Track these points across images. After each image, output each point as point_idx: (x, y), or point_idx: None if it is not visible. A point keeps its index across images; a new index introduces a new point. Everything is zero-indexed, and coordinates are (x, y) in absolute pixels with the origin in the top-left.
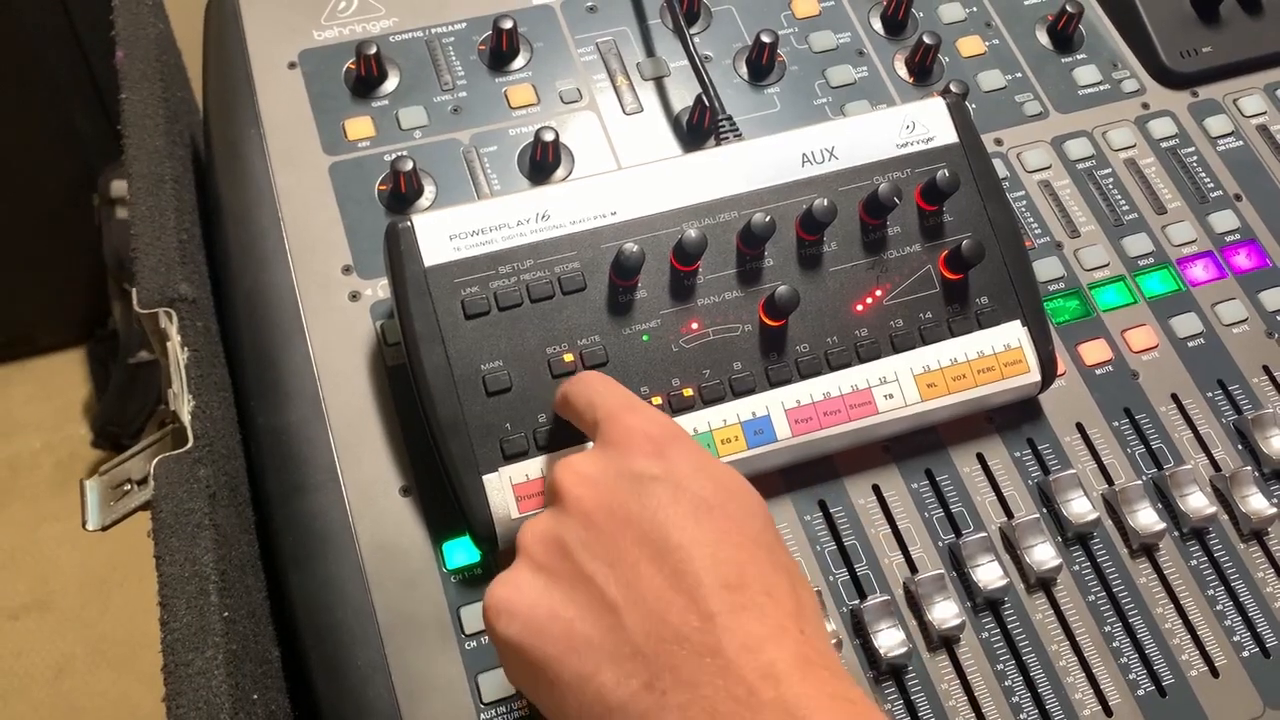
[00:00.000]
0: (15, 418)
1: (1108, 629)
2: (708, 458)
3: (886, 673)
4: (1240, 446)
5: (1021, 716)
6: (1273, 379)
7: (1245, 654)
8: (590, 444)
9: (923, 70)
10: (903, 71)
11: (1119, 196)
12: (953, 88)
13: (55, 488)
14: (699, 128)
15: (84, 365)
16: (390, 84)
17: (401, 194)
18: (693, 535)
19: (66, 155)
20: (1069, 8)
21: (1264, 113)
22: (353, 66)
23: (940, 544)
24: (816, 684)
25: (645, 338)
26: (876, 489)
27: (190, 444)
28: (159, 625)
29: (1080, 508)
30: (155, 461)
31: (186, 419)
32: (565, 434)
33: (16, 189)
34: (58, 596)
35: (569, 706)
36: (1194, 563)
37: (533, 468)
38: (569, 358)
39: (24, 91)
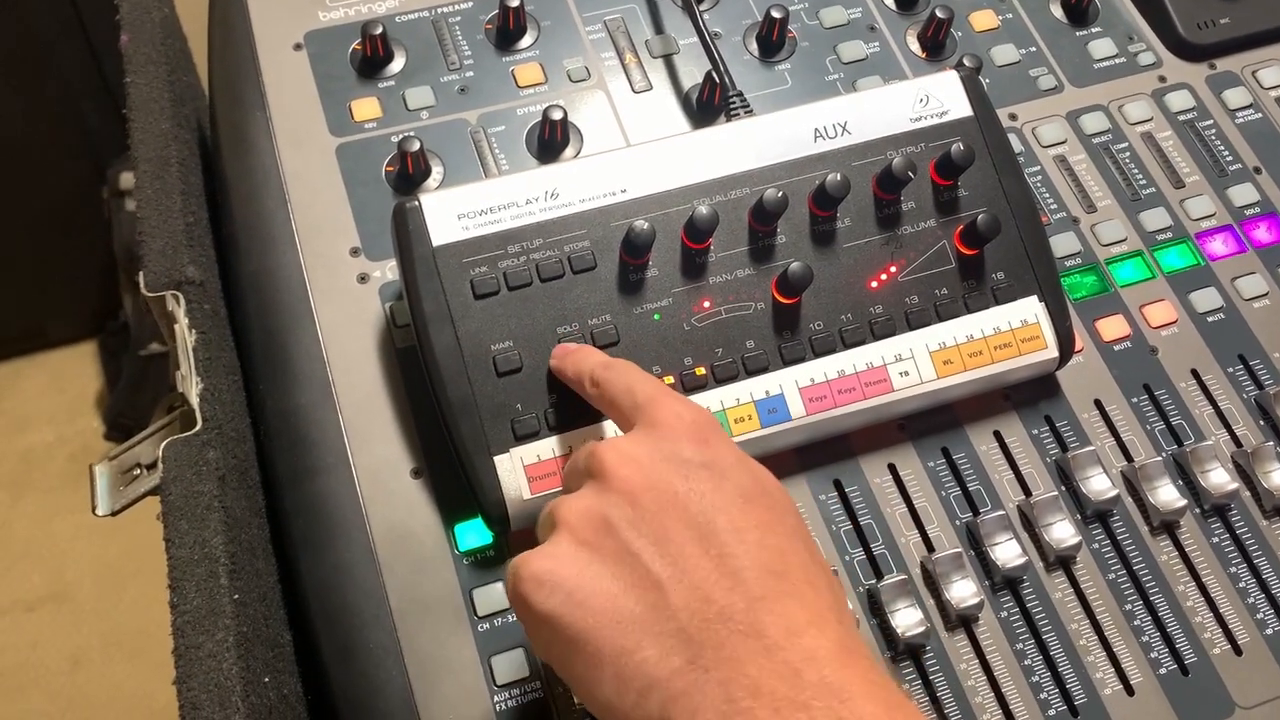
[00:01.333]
0: (28, 411)
1: (1128, 607)
2: (744, 453)
3: (904, 652)
4: (1262, 422)
5: (1041, 696)
6: None
7: (1269, 631)
8: (606, 424)
9: (935, 45)
10: (915, 47)
11: (1136, 171)
12: (966, 62)
13: (69, 480)
14: (709, 105)
15: (96, 358)
16: (396, 64)
17: (409, 175)
18: (738, 521)
19: (76, 149)
20: None
21: None
22: (358, 47)
23: (957, 522)
24: (858, 671)
25: (656, 316)
26: (892, 468)
27: (199, 427)
28: (169, 608)
29: (1099, 485)
30: (164, 444)
31: (195, 402)
32: (577, 414)
33: (27, 183)
34: (73, 588)
35: (605, 680)
36: (1215, 540)
37: (544, 448)
38: (579, 337)
39: (34, 87)
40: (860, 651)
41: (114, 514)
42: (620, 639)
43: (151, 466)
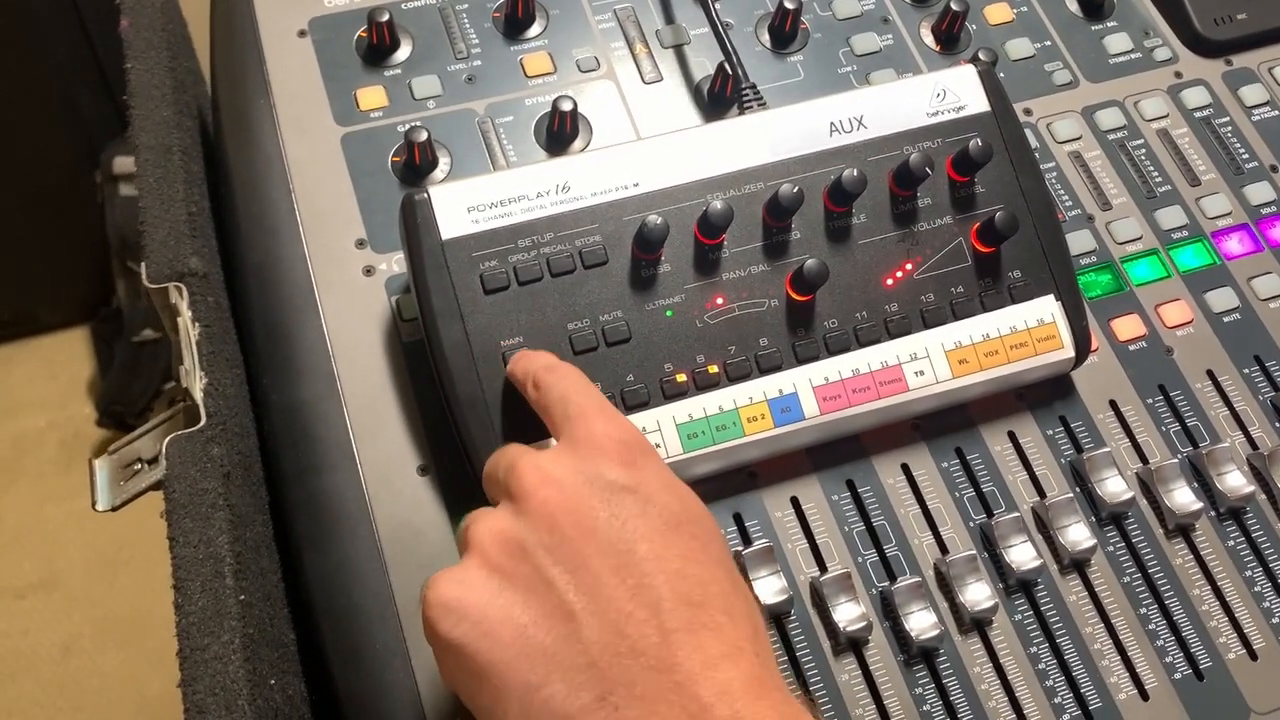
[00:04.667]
0: (19, 396)
1: (1143, 611)
2: (674, 476)
3: (917, 656)
4: (1278, 424)
5: (1056, 700)
6: None
7: None
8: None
9: (950, 38)
10: (929, 39)
11: (1151, 168)
12: (981, 56)
13: (60, 467)
14: (721, 97)
15: (88, 344)
16: (403, 52)
17: (415, 166)
18: (659, 550)
19: (69, 133)
20: None
21: None
22: (364, 34)
23: (971, 524)
24: (769, 705)
25: (669, 313)
26: (906, 468)
27: (203, 422)
28: (173, 609)
29: (1114, 487)
30: (167, 440)
31: (199, 396)
32: None
33: (19, 167)
34: (64, 575)
35: (510, 716)
36: (1231, 543)
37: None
38: (591, 334)
39: (26, 69)
40: (774, 684)
41: (114, 509)
42: (527, 673)
43: (153, 461)
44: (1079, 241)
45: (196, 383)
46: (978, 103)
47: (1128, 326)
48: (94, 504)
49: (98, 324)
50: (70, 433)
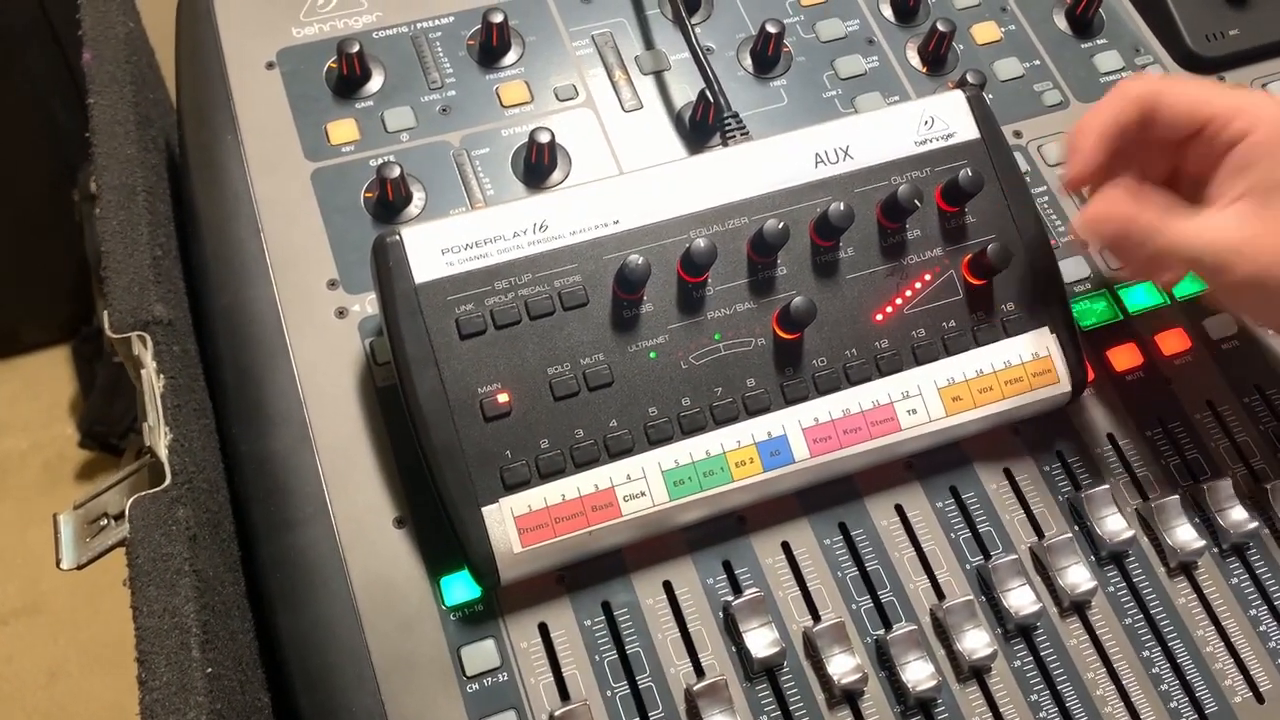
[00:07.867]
0: (1, 417)
1: (1146, 654)
2: None
3: (915, 707)
4: None
5: None
6: None
7: None
8: None
9: (936, 59)
10: (915, 61)
11: None
12: (969, 77)
13: (44, 489)
14: (703, 124)
15: (69, 364)
16: (374, 83)
17: (389, 202)
18: None
19: (47, 151)
20: None
21: None
22: (334, 65)
23: (968, 567)
24: None
25: (652, 355)
26: (899, 509)
27: (168, 482)
28: (137, 684)
29: (1114, 525)
30: (130, 501)
31: (164, 454)
32: (570, 461)
33: None
34: (49, 600)
35: None
36: (1235, 581)
37: (535, 498)
38: (571, 378)
39: (2, 88)
40: None
41: (79, 568)
42: None
43: (119, 517)
44: (1072, 269)
45: (161, 439)
46: (967, 130)
47: (1124, 356)
48: (58, 562)
49: (79, 343)
50: (54, 454)
